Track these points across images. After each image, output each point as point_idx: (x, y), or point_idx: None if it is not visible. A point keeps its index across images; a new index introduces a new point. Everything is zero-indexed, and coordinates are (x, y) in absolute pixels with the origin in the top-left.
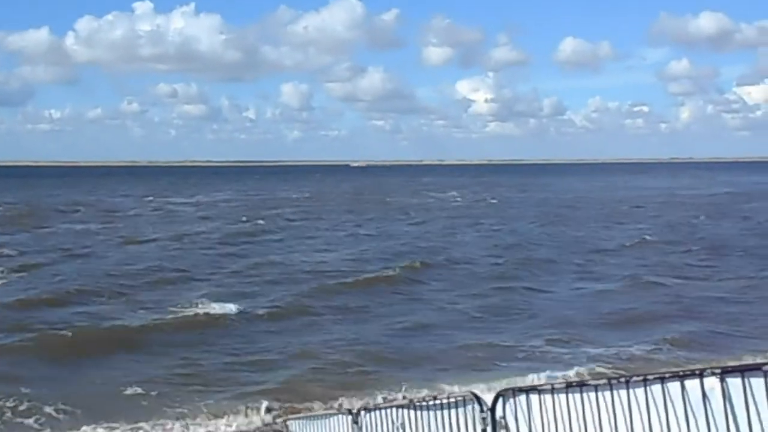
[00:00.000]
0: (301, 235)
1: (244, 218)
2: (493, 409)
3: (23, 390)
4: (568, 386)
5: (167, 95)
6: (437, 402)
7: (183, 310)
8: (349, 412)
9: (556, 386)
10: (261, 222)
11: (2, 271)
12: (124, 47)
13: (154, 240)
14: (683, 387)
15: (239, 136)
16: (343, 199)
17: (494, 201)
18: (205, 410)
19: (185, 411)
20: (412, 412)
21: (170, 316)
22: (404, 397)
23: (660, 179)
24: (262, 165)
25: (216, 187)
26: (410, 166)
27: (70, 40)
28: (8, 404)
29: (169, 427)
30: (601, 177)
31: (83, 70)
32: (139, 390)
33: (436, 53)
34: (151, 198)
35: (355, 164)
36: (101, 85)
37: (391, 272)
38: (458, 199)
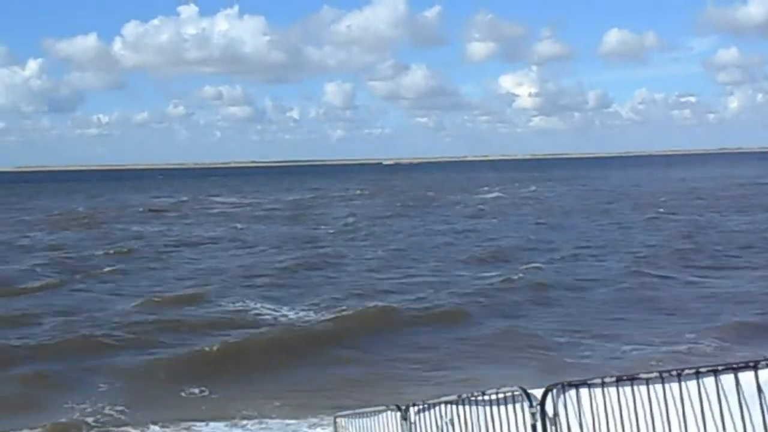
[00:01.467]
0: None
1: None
2: (542, 404)
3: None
4: (619, 380)
5: (212, 97)
6: (486, 398)
7: None
8: (398, 408)
9: (606, 380)
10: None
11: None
12: (170, 51)
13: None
14: (737, 380)
15: (283, 136)
16: (405, 196)
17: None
18: None
19: None
20: (460, 407)
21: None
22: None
23: (720, 168)
24: (306, 164)
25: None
26: (454, 162)
27: (117, 45)
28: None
29: None
30: (652, 169)
31: (130, 75)
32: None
33: (479, 49)
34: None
35: (387, 162)
36: (148, 90)
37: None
38: (548, 194)
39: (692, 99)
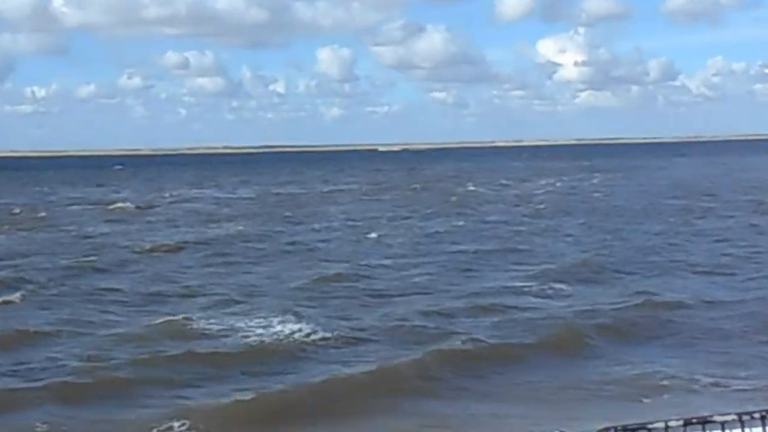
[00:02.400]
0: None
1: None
2: None
3: None
4: (687, 424)
5: (176, 66)
6: None
7: None
8: None
9: (671, 424)
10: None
11: None
12: (123, 8)
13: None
14: None
15: (265, 115)
16: (429, 194)
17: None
18: None
19: None
20: None
21: None
22: None
23: None
24: (293, 150)
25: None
26: (480, 148)
27: (57, 1)
28: None
29: None
30: (729, 157)
31: (73, 38)
32: None
33: (511, 5)
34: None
35: (384, 149)
36: (95, 56)
37: None
38: (606, 189)
39: None
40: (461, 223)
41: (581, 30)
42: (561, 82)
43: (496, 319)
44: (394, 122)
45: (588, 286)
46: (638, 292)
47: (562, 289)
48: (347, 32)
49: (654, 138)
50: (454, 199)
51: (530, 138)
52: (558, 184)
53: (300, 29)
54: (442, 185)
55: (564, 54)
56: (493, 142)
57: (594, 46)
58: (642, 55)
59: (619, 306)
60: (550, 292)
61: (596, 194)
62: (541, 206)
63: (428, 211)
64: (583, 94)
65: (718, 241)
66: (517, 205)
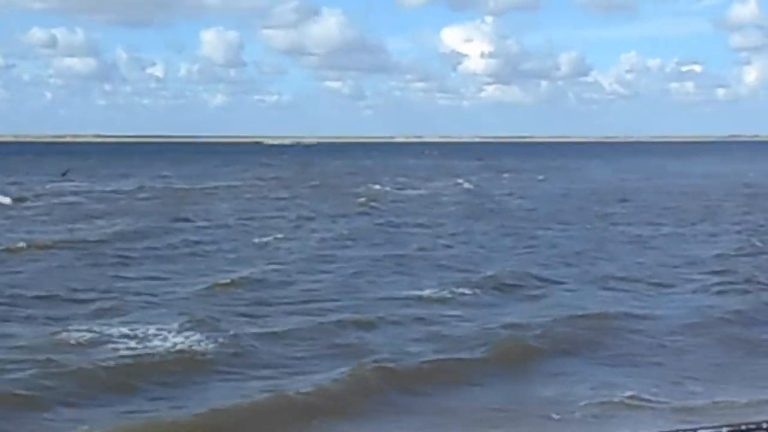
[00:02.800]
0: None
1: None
2: None
3: None
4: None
5: (42, 44)
6: None
7: None
8: None
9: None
10: None
11: None
12: None
13: None
14: None
15: (141, 101)
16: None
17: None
18: None
19: None
20: None
21: None
22: None
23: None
24: (172, 141)
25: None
26: (378, 144)
27: None
28: None
29: None
30: (642, 159)
31: None
32: None
33: None
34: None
35: (271, 142)
36: None
37: None
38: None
39: (697, 68)
40: (367, 225)
41: (489, 19)
42: (466, 74)
43: (420, 330)
44: (283, 113)
45: (513, 297)
46: (567, 305)
47: (486, 300)
48: (235, 13)
49: (564, 137)
50: (359, 200)
51: (432, 134)
52: (466, 185)
53: (183, 8)
54: (341, 183)
55: (470, 44)
56: (392, 137)
57: (502, 36)
58: (553, 48)
59: (550, 318)
60: (473, 302)
61: (507, 197)
62: (452, 208)
63: (330, 212)
64: (490, 88)
65: (644, 248)
66: (427, 207)
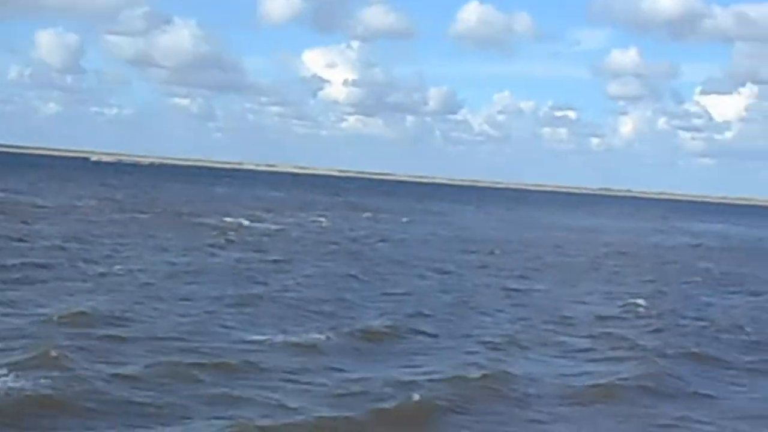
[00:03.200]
0: None
1: None
2: None
3: None
4: None
5: None
6: None
7: None
8: None
9: None
10: None
11: None
12: None
13: None
14: None
15: None
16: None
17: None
18: None
19: None
20: None
21: None
22: None
23: (601, 218)
24: None
25: None
26: (224, 169)
27: None
28: None
29: None
30: (508, 208)
31: None
32: None
33: (277, 7)
34: None
35: (97, 158)
36: None
37: None
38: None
39: (571, 114)
40: (222, 261)
41: (355, 44)
42: (327, 101)
43: (291, 380)
44: (122, 128)
45: (386, 349)
46: (447, 361)
47: (354, 350)
48: (77, 14)
49: (428, 177)
50: (212, 232)
51: (285, 163)
52: (324, 222)
53: (19, 5)
54: (191, 212)
55: (333, 70)
56: (241, 163)
57: (369, 64)
58: (423, 80)
59: (435, 377)
60: (343, 352)
61: (369, 238)
62: (310, 247)
63: (180, 245)
64: (351, 119)
65: (518, 303)
66: (286, 244)
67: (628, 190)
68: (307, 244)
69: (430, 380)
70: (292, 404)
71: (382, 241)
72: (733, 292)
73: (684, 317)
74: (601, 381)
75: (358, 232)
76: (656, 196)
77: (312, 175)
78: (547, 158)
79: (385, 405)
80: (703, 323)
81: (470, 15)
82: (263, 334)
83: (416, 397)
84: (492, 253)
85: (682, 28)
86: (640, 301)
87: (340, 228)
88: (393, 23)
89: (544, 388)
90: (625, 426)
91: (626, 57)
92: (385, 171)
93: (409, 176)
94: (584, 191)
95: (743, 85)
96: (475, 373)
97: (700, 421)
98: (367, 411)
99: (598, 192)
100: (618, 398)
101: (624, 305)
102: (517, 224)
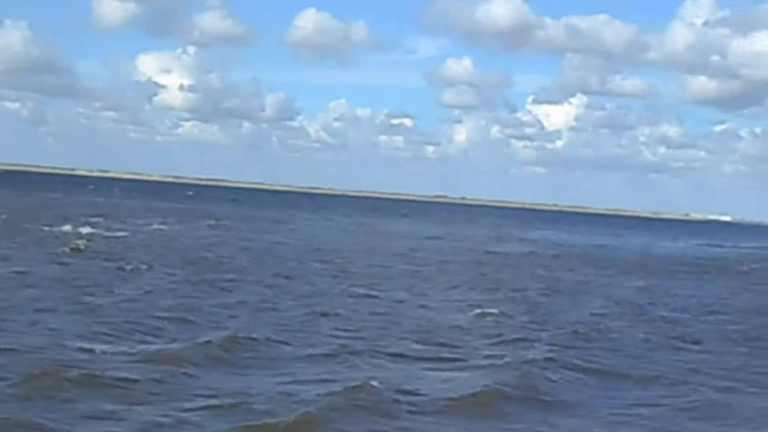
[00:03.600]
0: None
1: None
2: None
3: None
4: None
5: None
6: None
7: None
8: None
9: None
10: None
11: None
12: None
13: None
14: None
15: None
16: None
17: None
18: None
19: None
20: None
21: None
22: None
23: (443, 226)
24: None
25: None
26: (56, 175)
27: None
28: None
29: None
30: (357, 216)
31: None
32: None
33: (110, 10)
34: None
35: None
36: None
37: None
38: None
39: (407, 122)
40: (65, 269)
41: (191, 49)
42: (162, 107)
43: (167, 393)
44: None
45: (254, 361)
46: (327, 374)
47: (231, 363)
48: None
49: (265, 184)
50: (60, 240)
51: (120, 169)
52: (164, 227)
53: None
54: (35, 218)
55: (168, 75)
56: (74, 169)
57: (205, 70)
58: (259, 87)
59: (310, 389)
60: (214, 365)
61: (218, 247)
62: (160, 253)
63: (30, 255)
64: (187, 125)
65: (376, 315)
66: (145, 251)
67: (463, 198)
68: (151, 252)
69: (297, 392)
70: (161, 419)
71: (228, 248)
72: (580, 299)
73: (538, 324)
74: (466, 390)
75: (203, 240)
76: (490, 204)
77: (147, 182)
78: (384, 165)
79: (258, 419)
80: (559, 330)
81: (307, 22)
82: (118, 345)
83: (290, 409)
84: (339, 260)
85: (514, 38)
86: (493, 309)
87: (184, 235)
88: (229, 29)
89: (411, 398)
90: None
91: (460, 66)
92: (222, 177)
93: (246, 183)
94: (420, 198)
95: (573, 95)
96: (340, 385)
97: (559, 427)
98: (243, 426)
99: (433, 199)
100: (484, 406)
101: (477, 313)
102: (360, 232)
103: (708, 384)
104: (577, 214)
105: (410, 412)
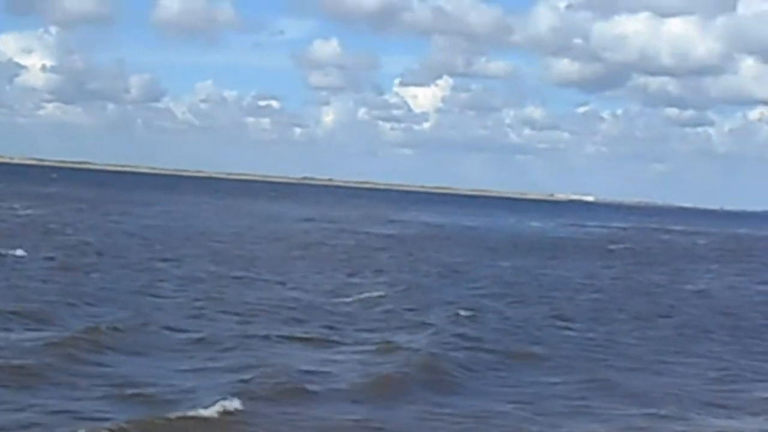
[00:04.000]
0: None
1: None
2: None
3: None
4: None
5: None
6: None
7: None
8: None
9: None
10: None
11: None
12: None
13: None
14: None
15: None
16: None
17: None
18: None
19: None
20: None
21: None
22: None
23: (309, 208)
24: None
25: None
26: None
27: None
28: None
29: None
30: (228, 198)
31: None
32: None
33: None
34: None
35: None
36: None
37: None
38: None
39: (275, 104)
40: None
41: (54, 29)
42: (24, 88)
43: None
44: None
45: (148, 348)
46: (242, 358)
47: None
48: None
49: (130, 166)
50: None
51: None
52: (29, 212)
53: None
54: None
55: (30, 55)
56: None
57: (68, 50)
58: (124, 68)
59: (220, 377)
60: (109, 352)
61: (93, 231)
62: (52, 242)
63: None
64: (50, 106)
65: (264, 299)
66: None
67: (330, 180)
68: (24, 237)
69: (200, 379)
70: (72, 407)
71: (99, 232)
72: (459, 280)
73: (424, 305)
74: (371, 374)
75: (75, 224)
76: (358, 185)
77: (8, 164)
78: (251, 147)
79: (162, 410)
80: (446, 311)
81: (172, 2)
82: (8, 333)
83: (197, 398)
84: (214, 243)
85: (382, 20)
86: (377, 292)
87: (53, 220)
88: (93, 9)
89: (320, 384)
90: (403, 415)
91: (328, 48)
92: (86, 160)
93: (112, 165)
94: (288, 180)
95: (440, 77)
96: (242, 371)
97: (460, 407)
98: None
99: (301, 181)
100: (390, 389)
101: (362, 297)
102: (231, 214)
103: (595, 361)
104: (444, 195)
105: (321, 397)
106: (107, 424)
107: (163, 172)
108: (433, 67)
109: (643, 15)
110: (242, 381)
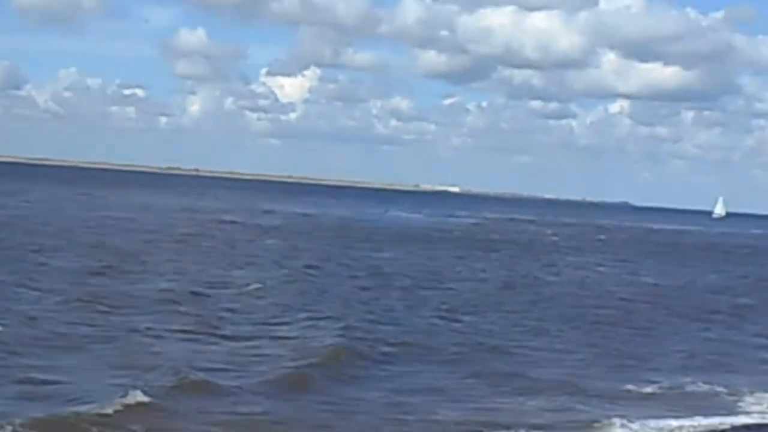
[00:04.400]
0: None
1: None
2: None
3: None
4: None
5: None
6: None
7: None
8: None
9: None
10: None
11: None
12: None
13: None
14: None
15: None
16: None
17: None
18: None
19: None
20: None
21: None
22: None
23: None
24: None
25: None
26: None
27: None
28: None
29: None
30: (93, 188)
31: None
32: None
33: None
34: None
35: None
36: None
37: None
38: None
39: (140, 92)
40: None
41: None
42: None
43: None
44: None
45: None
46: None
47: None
48: None
49: None
50: None
51: None
52: None
53: None
54: None
55: None
56: None
57: None
58: None
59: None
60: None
61: None
62: None
63: None
64: None
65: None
66: None
67: (196, 170)
68: None
69: (108, 377)
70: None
71: None
72: (341, 272)
73: (313, 299)
74: (279, 369)
75: None
76: (224, 176)
77: None
78: (116, 137)
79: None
80: (328, 305)
81: None
82: None
83: (107, 395)
84: (88, 236)
85: (250, 9)
86: (262, 284)
87: None
88: None
89: (229, 379)
90: (308, 407)
91: (194, 37)
92: None
93: None
94: (152, 170)
95: (307, 67)
96: (149, 366)
97: (368, 402)
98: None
99: (165, 171)
100: (299, 384)
101: (250, 289)
102: (96, 205)
103: (490, 351)
104: (311, 185)
105: (225, 391)
106: (4, 422)
107: (24, 161)
108: (301, 57)
109: (509, 8)
110: (143, 375)
